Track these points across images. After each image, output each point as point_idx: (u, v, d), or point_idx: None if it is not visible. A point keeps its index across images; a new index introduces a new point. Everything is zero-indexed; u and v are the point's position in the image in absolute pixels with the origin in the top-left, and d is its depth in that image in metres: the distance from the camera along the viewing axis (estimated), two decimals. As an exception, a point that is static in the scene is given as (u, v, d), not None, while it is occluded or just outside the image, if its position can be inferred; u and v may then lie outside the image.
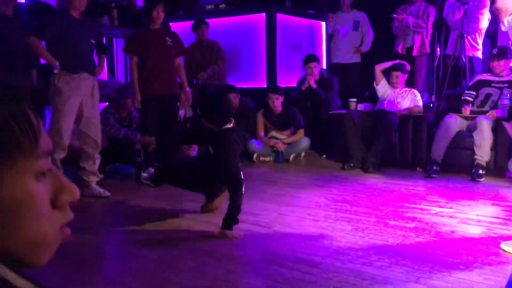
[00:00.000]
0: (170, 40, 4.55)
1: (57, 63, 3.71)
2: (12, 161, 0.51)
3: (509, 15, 2.62)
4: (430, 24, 6.05)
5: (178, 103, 4.79)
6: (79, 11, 3.76)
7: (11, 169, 0.51)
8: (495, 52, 4.87)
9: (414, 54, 6.09)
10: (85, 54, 3.84)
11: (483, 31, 5.71)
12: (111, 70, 6.54)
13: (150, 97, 4.50)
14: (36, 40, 3.68)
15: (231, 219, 2.89)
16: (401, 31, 6.19)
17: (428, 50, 6.14)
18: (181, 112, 5.45)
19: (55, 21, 3.76)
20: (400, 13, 6.13)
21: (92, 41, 3.92)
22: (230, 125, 3.08)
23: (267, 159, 5.63)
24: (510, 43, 4.64)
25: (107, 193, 3.95)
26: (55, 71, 3.73)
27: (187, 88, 4.78)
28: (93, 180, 4.00)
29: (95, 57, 4.07)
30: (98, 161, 4.06)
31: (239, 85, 5.91)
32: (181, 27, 6.74)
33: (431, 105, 5.46)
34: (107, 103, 5.26)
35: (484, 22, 5.60)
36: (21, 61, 4.22)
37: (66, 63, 3.73)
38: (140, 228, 3.11)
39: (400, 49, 6.19)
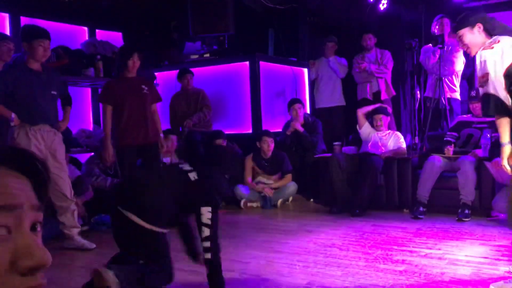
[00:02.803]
0: (146, 88, 4.46)
1: (13, 115, 3.58)
2: None
3: (480, 49, 2.73)
4: (390, 68, 6.29)
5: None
6: (39, 62, 3.68)
7: None
8: (474, 95, 5.02)
9: (382, 98, 6.26)
10: (44, 106, 3.69)
11: (460, 73, 5.91)
12: (97, 121, 6.56)
13: (129, 147, 4.34)
14: None
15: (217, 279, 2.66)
16: (363, 78, 6.39)
17: (394, 93, 6.35)
18: (167, 160, 5.45)
19: (9, 74, 3.64)
20: (360, 62, 6.34)
21: (53, 92, 3.78)
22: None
23: (255, 204, 5.61)
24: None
25: (93, 245, 3.87)
26: (12, 123, 3.61)
27: (172, 136, 4.77)
28: (75, 232, 3.90)
29: (59, 109, 3.94)
30: (75, 212, 3.95)
31: (225, 131, 5.97)
32: (166, 76, 6.85)
33: (414, 146, 5.56)
34: (92, 153, 5.25)
35: (459, 64, 5.82)
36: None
37: (25, 115, 3.61)
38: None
39: (367, 95, 6.35)
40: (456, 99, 5.90)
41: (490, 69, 2.62)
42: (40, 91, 3.68)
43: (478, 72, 2.68)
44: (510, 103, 2.60)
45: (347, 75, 6.70)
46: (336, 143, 5.80)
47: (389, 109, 5.73)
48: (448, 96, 5.78)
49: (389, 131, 5.54)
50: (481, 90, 2.71)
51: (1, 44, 4.22)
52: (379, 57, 6.32)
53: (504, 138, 2.67)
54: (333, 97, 6.79)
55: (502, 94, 2.60)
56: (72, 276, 3.21)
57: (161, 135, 4.61)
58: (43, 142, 3.72)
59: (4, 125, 3.73)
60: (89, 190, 4.74)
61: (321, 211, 5.15)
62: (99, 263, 3.13)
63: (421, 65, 6.04)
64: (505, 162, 2.67)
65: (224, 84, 6.63)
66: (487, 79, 2.62)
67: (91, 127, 6.31)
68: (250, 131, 6.37)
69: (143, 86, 4.46)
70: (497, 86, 2.60)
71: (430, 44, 5.84)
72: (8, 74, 3.63)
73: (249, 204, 5.59)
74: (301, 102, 6.15)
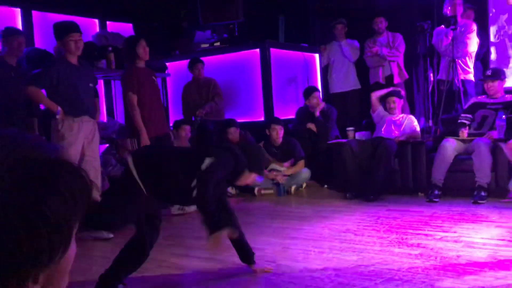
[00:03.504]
0: (155, 79, 4.51)
1: (59, 108, 3.77)
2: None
3: None
4: (402, 52, 6.21)
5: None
6: (75, 56, 3.84)
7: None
8: (489, 74, 4.95)
9: (395, 81, 6.19)
10: (84, 98, 3.91)
11: (473, 55, 5.82)
12: (110, 112, 6.61)
13: (152, 139, 4.27)
14: (35, 89, 3.75)
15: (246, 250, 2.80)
16: (375, 62, 6.32)
17: (407, 76, 6.28)
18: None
19: (53, 68, 3.83)
20: (371, 46, 6.27)
21: (91, 84, 4.00)
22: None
23: (269, 192, 5.63)
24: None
25: (110, 235, 3.94)
26: (58, 116, 3.79)
27: (186, 126, 4.78)
28: None
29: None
30: None
31: (237, 120, 5.98)
32: (177, 66, 6.86)
33: (428, 130, 5.51)
34: (107, 145, 5.31)
35: (473, 46, 5.72)
36: (22, 111, 4.30)
37: (68, 107, 3.80)
38: (144, 270, 3.09)
39: (380, 78, 6.29)
40: (470, 81, 5.83)
41: None
42: (80, 84, 3.85)
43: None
44: None
45: (359, 58, 6.63)
46: (349, 128, 5.78)
47: (402, 93, 5.68)
48: (462, 78, 5.70)
49: (403, 114, 5.50)
50: None
51: (12, 39, 4.29)
52: (390, 40, 6.25)
53: None
54: (348, 81, 6.70)
55: None
56: (91, 265, 3.27)
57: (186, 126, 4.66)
58: (84, 132, 3.88)
59: (48, 117, 3.91)
60: (105, 180, 4.81)
61: (335, 197, 5.15)
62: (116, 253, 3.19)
63: (434, 48, 5.96)
64: None
65: (235, 72, 6.62)
66: None
67: (105, 118, 6.36)
68: (262, 119, 6.37)
69: (153, 78, 4.50)
70: None
71: (443, 26, 5.75)
72: (54, 68, 3.79)
73: (263, 192, 5.61)
74: (318, 89, 6.18)
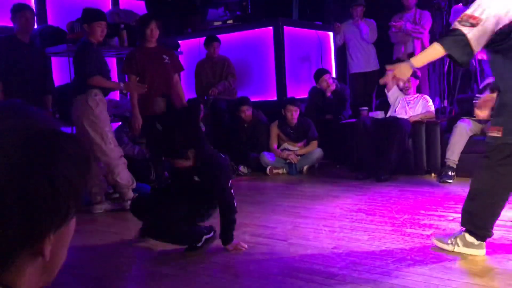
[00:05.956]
0: (167, 57, 4.51)
1: (122, 84, 4.38)
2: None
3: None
4: (427, 29, 6.08)
5: None
6: (98, 41, 4.14)
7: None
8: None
9: None
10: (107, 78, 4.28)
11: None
12: (123, 90, 6.62)
13: (152, 117, 4.36)
14: (99, 78, 4.01)
15: (227, 232, 2.84)
16: (399, 38, 6.21)
17: None
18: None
19: (92, 52, 4.07)
20: (397, 21, 6.15)
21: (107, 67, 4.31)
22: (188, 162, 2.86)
23: (281, 171, 5.63)
24: None
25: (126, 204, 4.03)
26: (124, 91, 4.66)
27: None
28: (98, 199, 4.18)
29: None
30: (103, 183, 4.28)
31: (250, 99, 5.95)
32: (190, 44, 6.82)
33: (443, 110, 5.43)
34: (120, 123, 5.33)
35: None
36: (37, 88, 4.33)
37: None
38: (155, 245, 3.12)
39: (401, 55, 6.18)
40: (487, 60, 5.69)
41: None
42: (104, 65, 4.20)
43: (468, 10, 2.43)
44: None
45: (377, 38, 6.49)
46: (362, 108, 5.71)
47: (419, 73, 5.56)
48: (479, 57, 5.57)
49: (418, 94, 5.42)
50: (455, 24, 2.46)
51: (20, 15, 4.28)
52: (417, 17, 6.11)
53: None
54: (369, 62, 6.59)
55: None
56: (102, 241, 3.31)
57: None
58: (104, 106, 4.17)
59: (64, 95, 4.35)
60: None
61: (348, 177, 5.13)
62: (126, 228, 3.22)
63: (451, 26, 5.82)
64: None
65: (248, 51, 6.56)
66: (475, 23, 2.38)
67: (117, 97, 6.38)
68: (275, 98, 6.33)
69: (164, 56, 4.48)
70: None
71: (461, 4, 5.61)
72: (92, 52, 4.07)
73: (275, 171, 5.61)
74: (328, 71, 6.08)
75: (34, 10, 4.63)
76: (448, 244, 2.65)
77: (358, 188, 4.56)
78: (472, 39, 2.39)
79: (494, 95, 2.67)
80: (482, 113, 2.86)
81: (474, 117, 4.75)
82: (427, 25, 6.09)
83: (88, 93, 3.99)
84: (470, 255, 2.58)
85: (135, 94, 4.43)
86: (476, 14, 2.38)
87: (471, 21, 2.38)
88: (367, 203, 3.93)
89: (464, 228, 2.64)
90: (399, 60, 6.06)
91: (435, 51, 2.57)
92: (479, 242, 2.58)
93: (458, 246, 2.60)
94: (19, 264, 0.56)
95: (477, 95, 4.96)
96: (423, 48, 6.10)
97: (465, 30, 2.39)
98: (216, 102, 5.97)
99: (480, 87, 5.11)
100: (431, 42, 6.11)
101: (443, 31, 5.97)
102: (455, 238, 2.63)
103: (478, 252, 2.58)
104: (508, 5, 2.38)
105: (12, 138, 0.54)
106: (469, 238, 2.59)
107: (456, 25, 2.44)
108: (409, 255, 2.65)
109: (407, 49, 6.18)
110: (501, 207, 2.59)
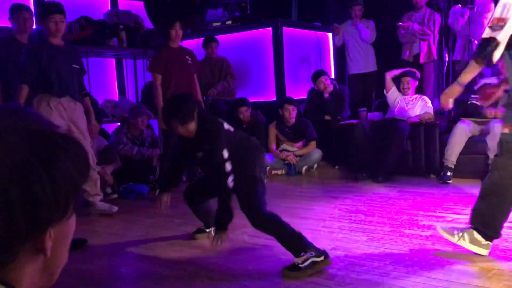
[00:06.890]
0: (190, 58, 4.64)
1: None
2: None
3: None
4: (436, 30, 6.03)
5: None
6: (57, 37, 3.71)
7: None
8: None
9: (421, 61, 6.05)
10: (65, 78, 3.75)
11: (490, 36, 5.67)
12: (122, 91, 6.62)
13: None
14: (23, 88, 3.58)
15: (219, 219, 2.72)
16: (407, 38, 6.17)
17: (436, 57, 6.10)
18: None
19: (35, 58, 3.64)
20: (405, 21, 6.11)
21: (75, 66, 3.83)
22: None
23: (280, 172, 5.63)
24: None
25: (115, 208, 3.98)
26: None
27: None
28: (97, 199, 4.00)
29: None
30: (98, 181, 4.03)
31: (249, 99, 5.95)
32: (189, 45, 6.81)
33: (442, 111, 5.43)
34: (119, 124, 5.33)
35: (490, 26, 5.57)
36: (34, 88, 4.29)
37: (47, 87, 3.70)
38: (154, 247, 3.12)
39: (407, 56, 6.17)
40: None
41: None
42: (61, 64, 3.70)
43: (496, 13, 2.54)
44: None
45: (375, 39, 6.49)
46: (361, 109, 5.71)
47: (418, 74, 5.55)
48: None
49: (416, 95, 5.42)
50: (487, 32, 2.54)
51: (18, 15, 4.25)
52: (426, 17, 6.04)
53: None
54: (367, 63, 6.57)
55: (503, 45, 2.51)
56: (100, 241, 3.31)
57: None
58: (65, 113, 3.73)
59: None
60: (117, 159, 4.84)
61: (347, 178, 5.13)
62: (125, 229, 3.22)
63: (450, 28, 5.83)
64: None
65: (247, 51, 6.57)
66: (504, 24, 2.48)
67: (116, 97, 6.38)
68: (274, 99, 6.34)
69: (187, 57, 4.57)
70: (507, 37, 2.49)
71: (459, 5, 5.62)
72: (35, 59, 3.63)
73: (273, 172, 5.61)
74: (326, 73, 6.07)
75: (33, 11, 4.62)
76: (454, 235, 2.65)
77: (357, 189, 4.56)
78: (503, 40, 2.47)
79: (499, 88, 2.72)
80: (451, 103, 2.96)
81: (474, 118, 4.77)
82: (436, 26, 5.98)
83: (35, 100, 3.67)
84: (473, 253, 2.59)
85: (160, 92, 4.51)
86: (504, 15, 2.46)
87: (500, 23, 2.46)
88: (366, 204, 3.93)
89: (472, 226, 2.65)
90: (405, 61, 6.07)
91: (479, 65, 2.68)
92: (486, 242, 2.58)
93: (464, 240, 2.61)
94: (20, 261, 0.57)
95: (472, 95, 4.97)
96: (429, 50, 6.07)
97: (499, 36, 2.46)
98: (215, 103, 5.97)
99: (476, 88, 5.11)
100: (439, 43, 6.08)
101: (442, 33, 5.97)
102: (463, 232, 2.63)
103: (482, 251, 2.58)
104: None
105: (13, 136, 0.56)
106: (477, 235, 2.59)
107: (489, 33, 2.50)
108: (407, 256, 2.65)
109: (412, 51, 6.15)
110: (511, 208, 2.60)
